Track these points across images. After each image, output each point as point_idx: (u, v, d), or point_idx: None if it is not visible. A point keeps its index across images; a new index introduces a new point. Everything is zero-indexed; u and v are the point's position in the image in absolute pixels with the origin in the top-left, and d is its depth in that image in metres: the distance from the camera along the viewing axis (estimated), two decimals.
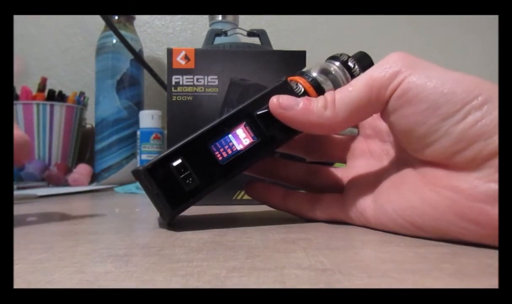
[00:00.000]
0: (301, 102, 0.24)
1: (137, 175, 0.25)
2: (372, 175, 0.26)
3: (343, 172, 0.30)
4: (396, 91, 0.21)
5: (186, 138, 0.25)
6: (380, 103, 0.22)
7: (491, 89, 0.19)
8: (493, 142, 0.19)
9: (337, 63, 0.29)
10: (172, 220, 0.26)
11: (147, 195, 0.25)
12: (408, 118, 0.21)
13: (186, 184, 0.25)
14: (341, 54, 0.29)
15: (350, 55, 0.30)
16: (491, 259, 0.18)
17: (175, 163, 0.25)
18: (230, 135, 0.26)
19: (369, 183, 0.26)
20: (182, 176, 0.25)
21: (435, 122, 0.20)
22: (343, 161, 0.31)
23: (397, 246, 0.20)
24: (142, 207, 0.39)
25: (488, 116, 0.19)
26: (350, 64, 0.29)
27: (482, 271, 0.16)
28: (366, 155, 0.29)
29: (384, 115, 0.23)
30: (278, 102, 0.25)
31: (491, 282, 0.15)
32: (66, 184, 0.67)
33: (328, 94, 0.24)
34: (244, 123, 0.26)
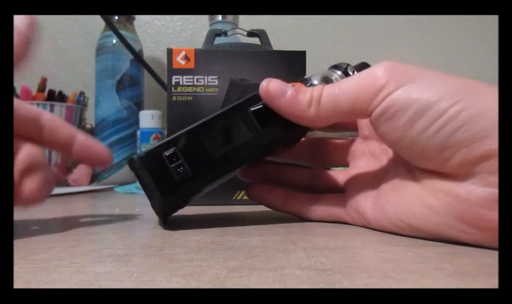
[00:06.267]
0: (289, 92, 0.25)
1: (131, 163, 0.26)
2: (372, 176, 0.27)
3: (345, 174, 0.30)
4: (377, 109, 0.22)
5: (182, 130, 0.26)
6: (363, 115, 0.23)
7: (471, 96, 0.19)
8: (477, 147, 0.19)
9: (339, 73, 0.29)
10: (165, 214, 0.26)
11: (140, 185, 0.26)
12: (390, 135, 0.22)
13: (177, 172, 0.25)
14: (345, 64, 0.30)
15: (353, 65, 0.30)
16: (491, 259, 0.18)
17: (168, 152, 0.25)
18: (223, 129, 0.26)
19: (369, 184, 0.26)
20: (174, 164, 0.25)
21: (415, 136, 0.21)
22: (346, 165, 0.31)
23: (397, 246, 0.20)
24: (142, 207, 0.39)
25: (467, 124, 0.19)
26: (351, 74, 0.29)
27: (482, 271, 0.16)
28: (366, 155, 0.29)
29: (372, 126, 0.23)
30: (267, 88, 0.25)
31: (491, 282, 0.15)
32: (66, 184, 0.67)
33: (316, 90, 0.24)
34: (238, 118, 0.26)
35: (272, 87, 0.25)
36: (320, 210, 0.28)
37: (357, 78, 0.23)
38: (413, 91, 0.21)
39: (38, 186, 0.23)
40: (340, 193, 0.29)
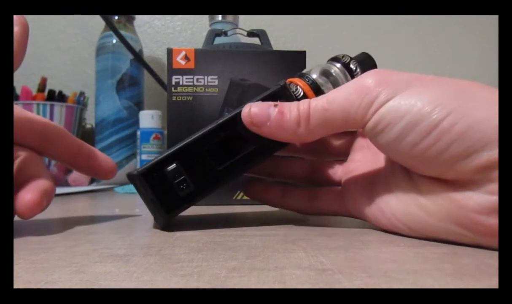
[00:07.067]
0: (273, 114, 0.24)
1: (132, 178, 0.25)
2: (369, 173, 0.26)
3: (343, 167, 0.30)
4: (369, 123, 0.21)
5: (182, 142, 0.25)
6: (356, 127, 0.22)
7: (466, 104, 0.19)
8: (475, 159, 0.18)
9: (338, 65, 0.28)
10: (167, 224, 0.26)
11: (142, 199, 0.25)
12: (384, 146, 0.22)
13: (180, 189, 0.24)
14: (343, 56, 0.29)
15: (352, 56, 0.29)
16: (491, 259, 0.18)
17: (170, 168, 0.24)
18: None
19: (366, 181, 0.26)
20: (177, 181, 0.24)
21: (408, 150, 0.20)
22: (345, 157, 0.31)
23: (397, 246, 0.20)
24: (142, 207, 0.39)
25: (462, 138, 0.18)
26: (352, 66, 0.28)
27: (482, 271, 0.16)
28: (364, 149, 0.29)
29: (366, 136, 0.23)
30: (250, 115, 0.24)
31: (491, 282, 0.15)
32: (66, 184, 0.67)
33: (303, 105, 0.23)
34: (240, 128, 0.25)
35: (254, 114, 0.24)
36: (318, 205, 0.28)
37: (346, 90, 0.22)
38: (403, 103, 0.20)
39: (37, 198, 0.23)
40: (338, 186, 0.29)
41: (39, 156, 0.26)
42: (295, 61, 0.41)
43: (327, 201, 0.28)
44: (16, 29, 0.24)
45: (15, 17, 0.24)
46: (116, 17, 0.71)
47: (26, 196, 0.23)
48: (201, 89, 0.40)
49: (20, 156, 0.25)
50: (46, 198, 0.24)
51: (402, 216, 0.22)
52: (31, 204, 0.23)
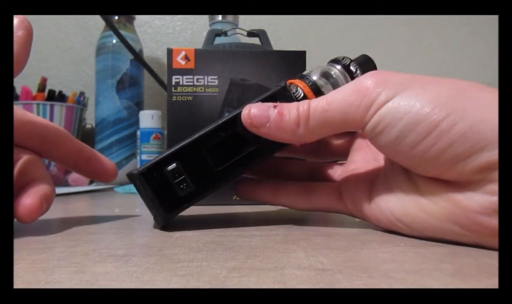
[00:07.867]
0: (272, 115, 0.24)
1: (132, 178, 0.25)
2: (369, 171, 0.26)
3: (344, 167, 0.30)
4: (369, 124, 0.21)
5: (182, 142, 0.25)
6: (356, 128, 0.22)
7: (465, 105, 0.19)
8: (475, 160, 0.18)
9: (339, 67, 0.28)
10: (166, 224, 0.26)
11: (142, 198, 0.25)
12: (384, 147, 0.22)
13: (180, 189, 0.24)
14: (343, 58, 0.29)
15: (352, 58, 0.29)
16: (491, 259, 0.18)
17: (170, 167, 0.24)
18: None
19: (366, 179, 0.26)
20: (177, 180, 0.24)
21: (408, 150, 0.20)
22: (345, 158, 0.31)
23: (397, 246, 0.20)
24: (142, 207, 0.39)
25: (462, 139, 0.18)
26: (352, 68, 0.28)
27: (482, 271, 0.16)
28: (364, 149, 0.29)
29: (366, 137, 0.23)
30: (249, 117, 0.24)
31: (491, 282, 0.15)
32: (66, 184, 0.67)
33: (302, 105, 0.23)
34: (240, 128, 0.25)
35: (253, 115, 0.24)
36: (314, 200, 0.28)
37: (345, 91, 0.22)
38: (402, 103, 0.20)
39: (37, 203, 0.23)
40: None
41: (39, 158, 0.26)
42: (295, 61, 0.40)
43: (324, 197, 0.28)
44: (20, 33, 0.24)
45: (19, 20, 0.24)
46: (116, 17, 0.71)
47: (26, 201, 0.23)
48: (201, 89, 0.40)
49: (21, 158, 0.25)
50: (46, 202, 0.24)
51: (402, 216, 0.22)
52: (31, 209, 0.23)
